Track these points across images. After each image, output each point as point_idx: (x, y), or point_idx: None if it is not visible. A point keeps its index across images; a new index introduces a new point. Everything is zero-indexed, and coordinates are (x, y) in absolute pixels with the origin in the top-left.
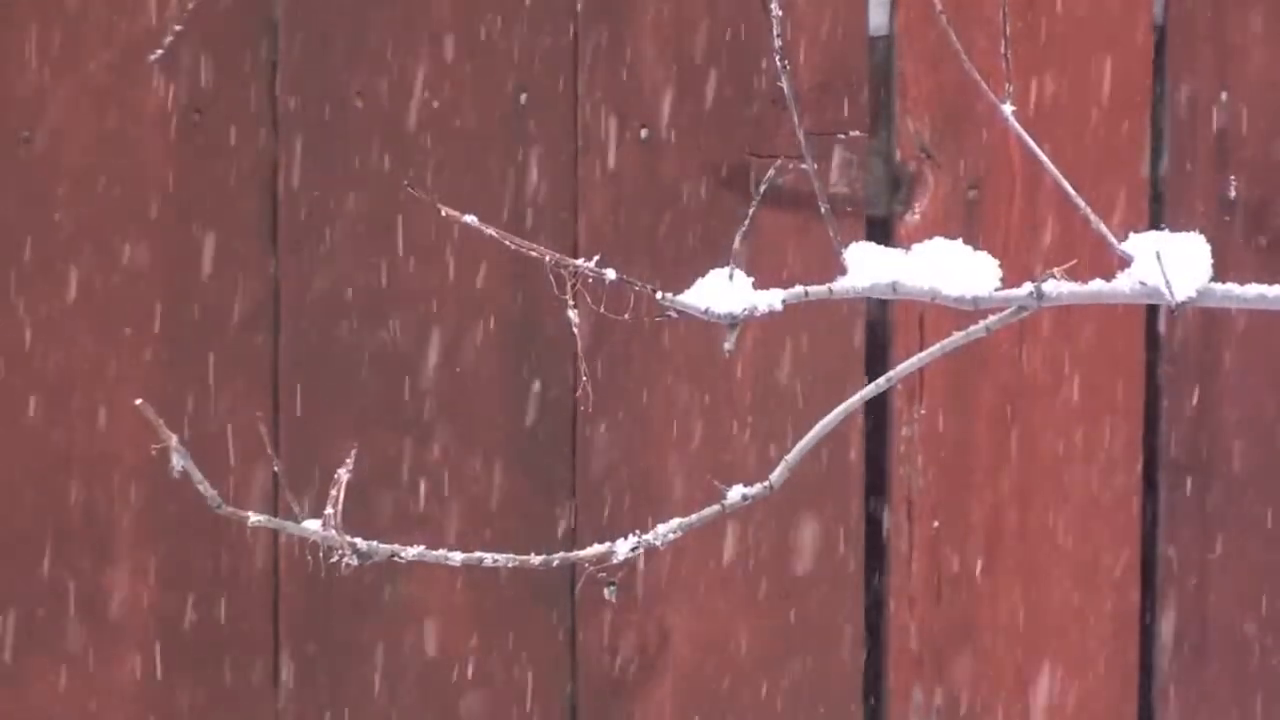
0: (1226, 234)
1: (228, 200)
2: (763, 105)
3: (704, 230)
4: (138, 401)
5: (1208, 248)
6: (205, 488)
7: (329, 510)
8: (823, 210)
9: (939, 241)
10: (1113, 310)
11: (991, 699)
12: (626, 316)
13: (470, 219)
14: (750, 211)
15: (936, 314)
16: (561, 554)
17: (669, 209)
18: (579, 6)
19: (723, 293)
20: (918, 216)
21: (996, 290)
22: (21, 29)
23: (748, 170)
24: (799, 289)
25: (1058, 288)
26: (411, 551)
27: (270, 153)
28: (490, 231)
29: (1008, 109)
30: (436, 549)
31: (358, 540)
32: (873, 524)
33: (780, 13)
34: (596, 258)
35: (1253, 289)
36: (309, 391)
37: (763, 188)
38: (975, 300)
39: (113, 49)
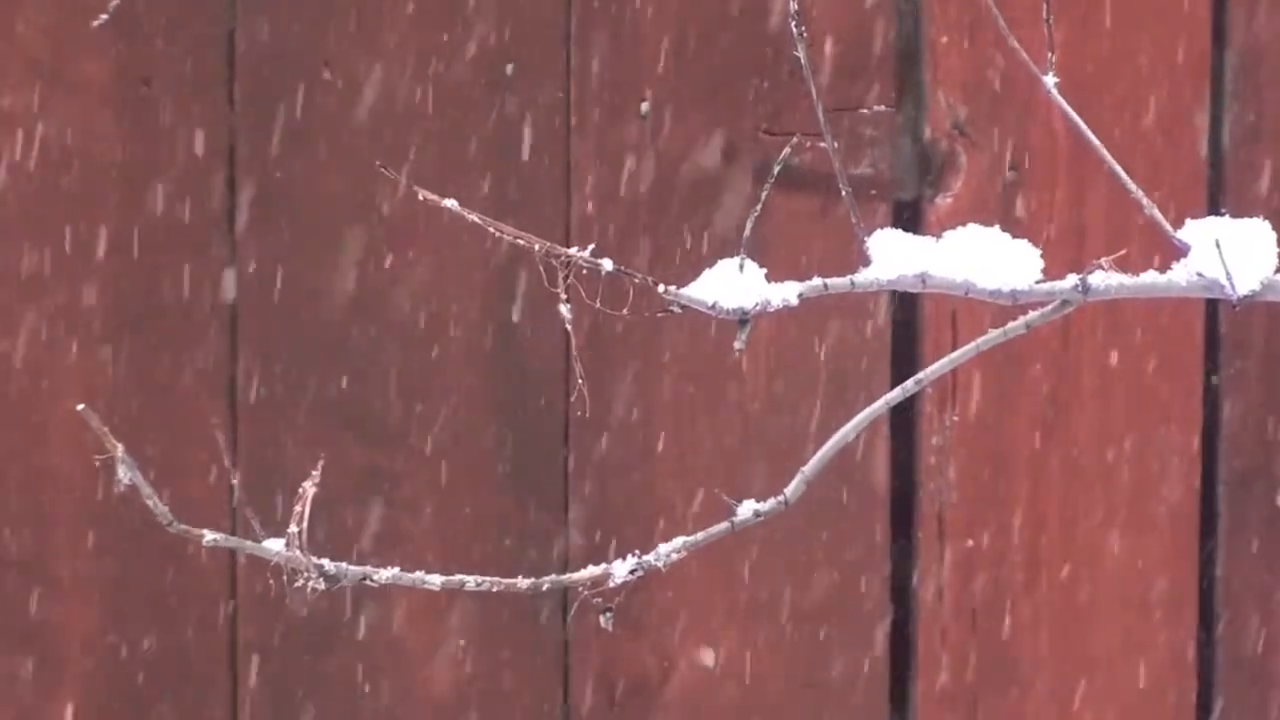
0: None
1: (179, 182)
2: (778, 76)
3: (711, 216)
4: (80, 406)
5: (1273, 235)
6: (155, 503)
7: (293, 528)
8: (844, 194)
9: (974, 229)
10: (1167, 305)
11: None
12: (625, 312)
13: (451, 204)
14: (763, 195)
15: (970, 309)
16: (553, 576)
17: (672, 192)
18: None
19: (732, 286)
20: (950, 200)
21: (1038, 283)
22: None
23: (761, 149)
24: (817, 281)
25: (1106, 280)
26: (385, 574)
27: (228, 129)
28: (473, 218)
29: (1051, 81)
30: (413, 570)
31: (325, 561)
32: (899, 544)
33: None
34: (591, 246)
35: None
36: (271, 397)
37: (777, 169)
38: (1014, 294)
39: (51, 12)
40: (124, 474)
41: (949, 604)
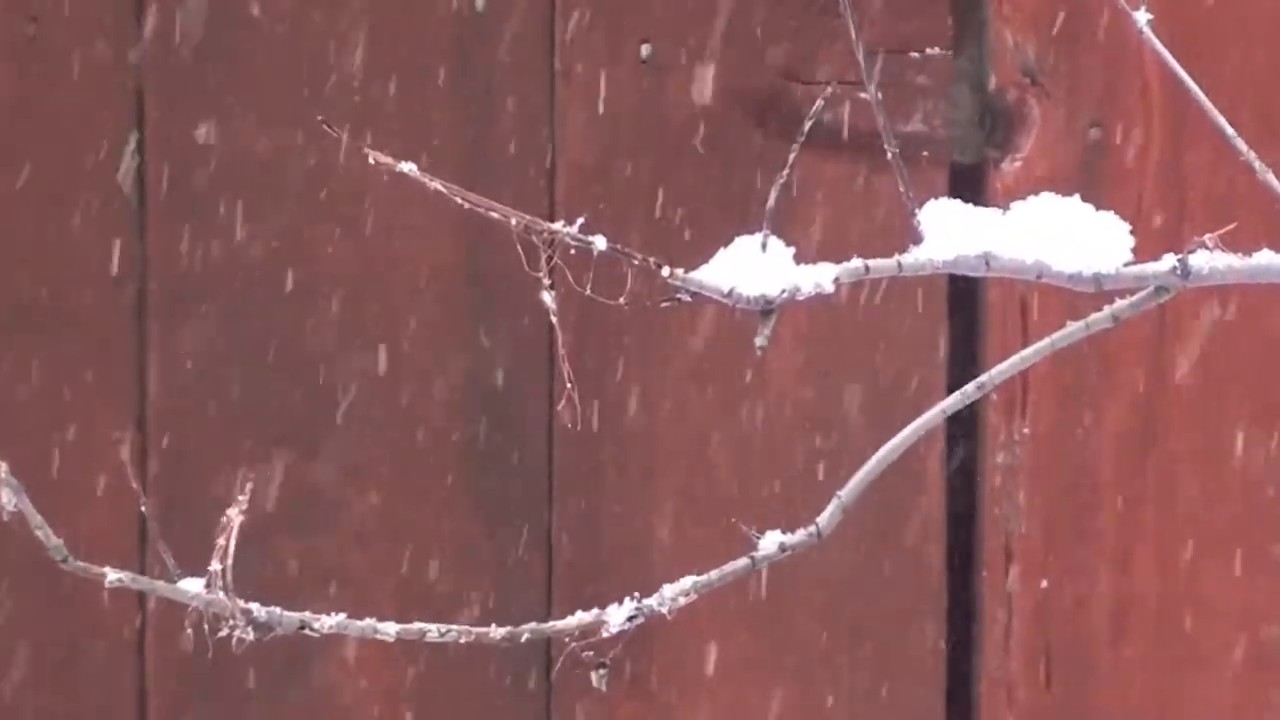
0: None
1: (74, 143)
2: (809, 12)
3: (727, 183)
4: None
5: None
6: (46, 534)
7: (215, 565)
8: (890, 156)
9: (1048, 199)
10: None
11: None
12: (622, 301)
13: (408, 168)
14: (791, 157)
15: (1045, 297)
16: (533, 625)
17: (679, 154)
18: None
19: (753, 268)
20: (1019, 164)
21: (1126, 265)
22: None
23: (789, 101)
24: (857, 263)
25: (1210, 262)
26: (328, 621)
27: (134, 79)
28: (436, 185)
29: (1143, 18)
30: (362, 617)
31: (254, 606)
32: (959, 583)
33: None
34: (580, 221)
35: None
36: (188, 402)
37: (809, 125)
38: (1098, 278)
39: None
40: (9, 499)
41: (1018, 657)
